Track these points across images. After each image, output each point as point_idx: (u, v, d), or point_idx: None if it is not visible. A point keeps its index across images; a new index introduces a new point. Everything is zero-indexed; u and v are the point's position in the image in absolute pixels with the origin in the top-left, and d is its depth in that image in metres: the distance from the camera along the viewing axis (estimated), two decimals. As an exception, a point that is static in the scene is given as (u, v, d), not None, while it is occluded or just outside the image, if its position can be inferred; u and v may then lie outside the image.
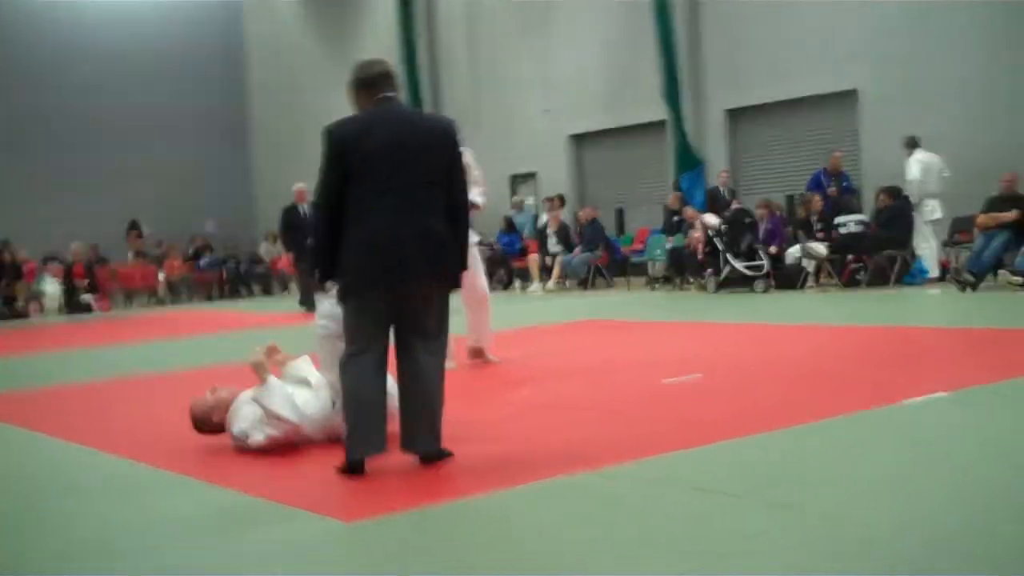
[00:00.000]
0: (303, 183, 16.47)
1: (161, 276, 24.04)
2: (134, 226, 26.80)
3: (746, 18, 17.94)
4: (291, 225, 16.69)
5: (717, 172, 18.54)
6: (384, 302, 4.79)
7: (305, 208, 16.48)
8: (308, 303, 16.65)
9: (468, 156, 8.17)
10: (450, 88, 23.90)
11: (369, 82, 4.96)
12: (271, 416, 5.37)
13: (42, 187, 26.80)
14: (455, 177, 4.92)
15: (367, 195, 4.76)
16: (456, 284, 4.95)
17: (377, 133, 4.80)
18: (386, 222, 4.73)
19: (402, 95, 5.23)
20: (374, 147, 4.76)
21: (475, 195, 8.28)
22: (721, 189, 17.47)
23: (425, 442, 4.87)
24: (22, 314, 21.38)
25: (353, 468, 4.78)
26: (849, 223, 14.53)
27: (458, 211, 4.93)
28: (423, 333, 4.84)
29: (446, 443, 4.95)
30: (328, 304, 5.36)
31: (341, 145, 4.81)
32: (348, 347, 4.85)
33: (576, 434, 5.47)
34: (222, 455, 5.49)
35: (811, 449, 4.82)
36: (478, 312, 8.38)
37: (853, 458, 4.57)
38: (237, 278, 24.24)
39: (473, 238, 8.46)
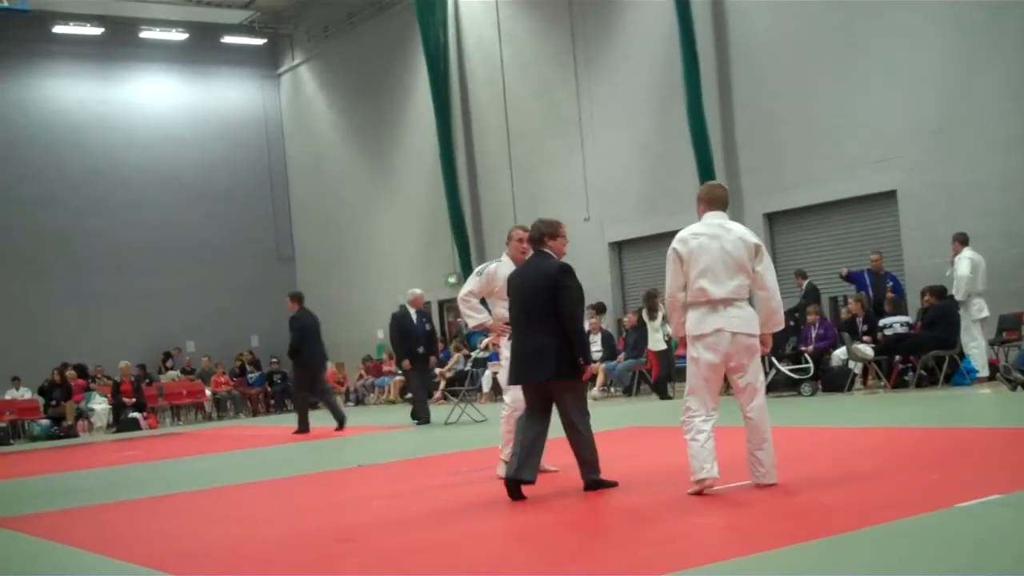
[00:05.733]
0: (419, 289, 16.36)
1: (208, 392, 24.22)
2: (167, 356, 27.24)
3: (780, 122, 18.09)
4: (404, 332, 15.90)
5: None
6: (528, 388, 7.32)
7: (414, 313, 15.86)
8: (420, 416, 15.60)
9: None
10: (490, 198, 24.23)
11: (531, 239, 7.47)
12: None
13: (90, 306, 27.28)
14: (560, 306, 7.09)
15: (512, 322, 7.50)
16: (570, 375, 7.08)
17: (514, 281, 7.48)
18: (517, 343, 7.35)
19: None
20: (512, 290, 7.46)
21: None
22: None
23: (584, 472, 7.11)
24: (71, 432, 21.60)
25: (509, 484, 7.07)
26: (895, 324, 14.42)
27: (567, 327, 7.09)
28: (564, 404, 7.14)
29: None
30: (514, 392, 7.93)
31: (507, 285, 7.62)
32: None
33: (627, 541, 5.41)
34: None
35: (862, 559, 4.72)
36: None
37: (908, 567, 4.48)
38: (284, 392, 24.35)
39: None
